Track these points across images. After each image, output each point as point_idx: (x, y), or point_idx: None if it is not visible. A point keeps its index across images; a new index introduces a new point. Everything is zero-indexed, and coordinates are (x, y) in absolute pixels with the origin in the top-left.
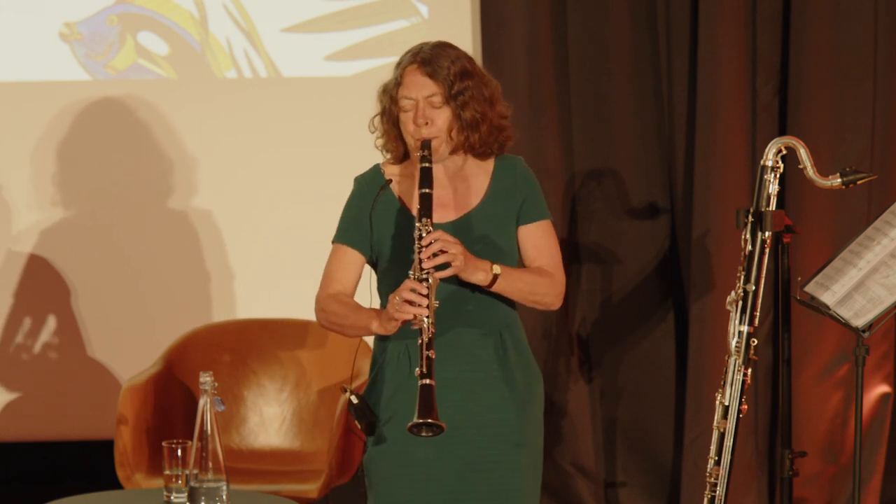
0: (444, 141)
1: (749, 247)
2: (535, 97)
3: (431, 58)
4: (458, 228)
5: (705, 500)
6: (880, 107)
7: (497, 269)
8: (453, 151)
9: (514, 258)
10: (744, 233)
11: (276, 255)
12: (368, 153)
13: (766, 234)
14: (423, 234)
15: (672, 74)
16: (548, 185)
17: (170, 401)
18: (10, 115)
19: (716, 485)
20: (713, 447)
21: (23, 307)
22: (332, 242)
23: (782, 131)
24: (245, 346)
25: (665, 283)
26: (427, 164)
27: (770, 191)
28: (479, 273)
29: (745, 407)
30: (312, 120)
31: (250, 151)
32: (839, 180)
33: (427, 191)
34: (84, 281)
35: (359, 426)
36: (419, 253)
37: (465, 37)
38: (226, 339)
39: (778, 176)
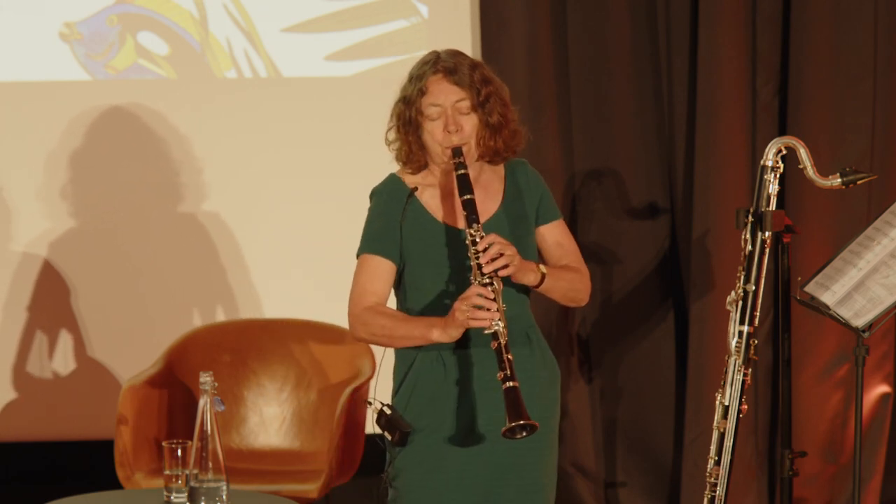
0: (472, 147)
1: (749, 247)
2: (535, 97)
3: (455, 66)
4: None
5: (705, 500)
6: (880, 107)
7: (543, 268)
8: (479, 158)
9: (536, 259)
10: (744, 233)
11: (276, 254)
12: (368, 153)
13: (766, 234)
14: (478, 239)
15: (672, 74)
16: (548, 185)
17: (170, 401)
18: (10, 115)
19: (716, 485)
20: (713, 447)
21: (22, 307)
22: (359, 255)
23: (782, 131)
24: (245, 346)
25: (665, 283)
26: (464, 171)
27: (770, 191)
28: (531, 274)
29: (745, 407)
30: (312, 120)
31: (250, 151)
32: (839, 180)
33: (470, 196)
34: (84, 281)
35: (390, 438)
36: (477, 258)
37: (465, 37)
38: (226, 339)
39: (778, 176)
